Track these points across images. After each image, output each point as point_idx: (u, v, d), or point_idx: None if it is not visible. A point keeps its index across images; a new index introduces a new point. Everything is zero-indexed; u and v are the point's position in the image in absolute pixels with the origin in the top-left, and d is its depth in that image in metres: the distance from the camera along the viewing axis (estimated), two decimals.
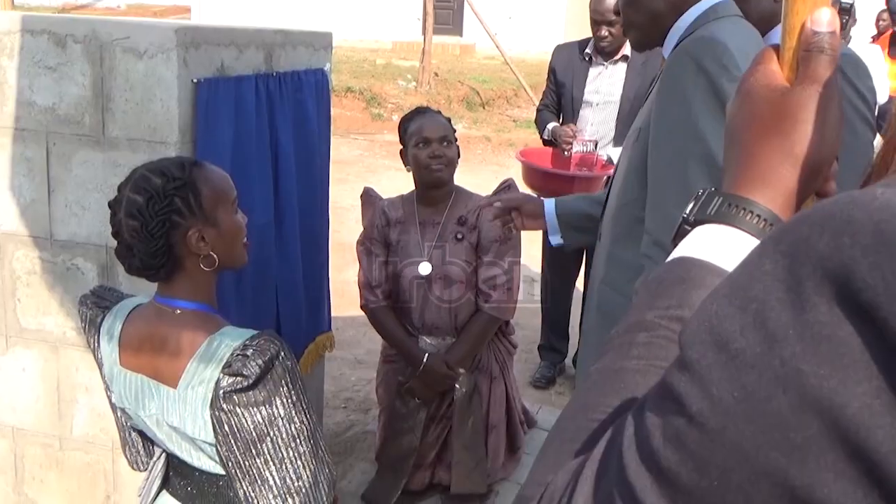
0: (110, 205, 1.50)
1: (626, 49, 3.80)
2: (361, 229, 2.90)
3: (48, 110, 2.00)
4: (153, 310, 1.50)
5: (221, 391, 1.36)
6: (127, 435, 1.64)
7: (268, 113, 2.22)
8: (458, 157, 2.75)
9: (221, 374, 1.37)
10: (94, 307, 1.58)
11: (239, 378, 1.35)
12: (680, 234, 0.66)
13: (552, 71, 4.03)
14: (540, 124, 4.05)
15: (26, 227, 2.08)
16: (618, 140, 3.75)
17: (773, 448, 0.40)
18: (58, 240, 2.07)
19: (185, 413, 1.41)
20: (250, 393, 1.35)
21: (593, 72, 3.84)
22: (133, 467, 1.69)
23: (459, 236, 2.68)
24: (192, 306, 1.49)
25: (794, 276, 0.41)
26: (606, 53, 3.80)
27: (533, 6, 17.67)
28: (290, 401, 1.38)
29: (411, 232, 2.77)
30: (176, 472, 1.57)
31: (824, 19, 0.65)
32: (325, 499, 1.43)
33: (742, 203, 0.63)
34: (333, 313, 2.92)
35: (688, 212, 0.66)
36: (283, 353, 1.39)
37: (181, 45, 1.90)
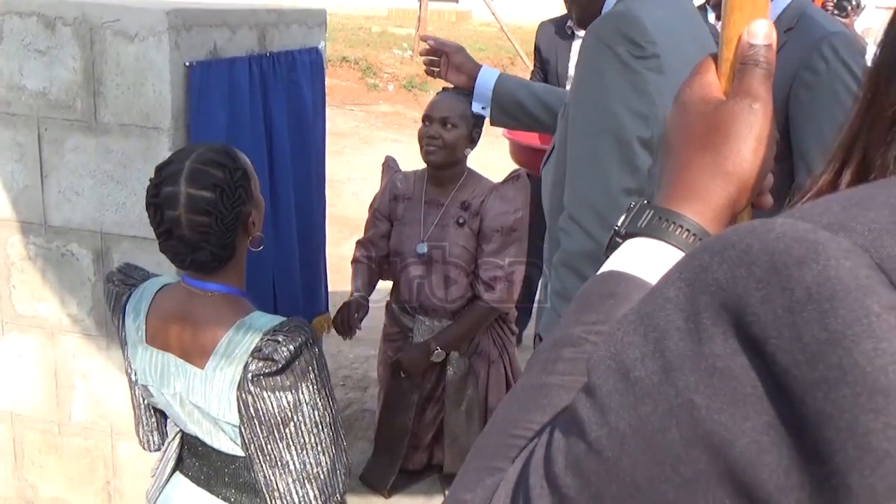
0: (156, 203, 1.47)
1: None
2: (357, 203, 2.89)
3: (39, 95, 1.97)
4: (183, 291, 1.51)
5: (250, 374, 1.38)
6: (142, 413, 1.65)
7: (262, 95, 2.19)
8: (473, 142, 2.64)
9: (251, 358, 1.39)
10: (121, 284, 1.60)
11: (269, 362, 1.37)
12: (611, 247, 0.66)
13: (537, 48, 4.00)
14: None
15: (19, 213, 2.06)
16: None
17: (664, 481, 0.40)
18: (52, 226, 2.05)
19: (210, 393, 1.43)
20: (278, 377, 1.38)
21: (576, 45, 3.80)
22: (143, 447, 1.70)
23: (461, 221, 2.66)
24: (223, 289, 1.50)
25: (693, 306, 0.41)
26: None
27: None
28: (315, 387, 1.40)
29: (416, 209, 2.75)
30: (190, 454, 1.58)
31: (760, 32, 0.65)
32: (341, 487, 1.45)
33: (672, 217, 0.63)
34: (330, 289, 2.92)
35: (619, 224, 0.65)
36: (311, 341, 1.42)
37: (173, 28, 1.86)
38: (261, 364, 1.37)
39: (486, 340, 2.81)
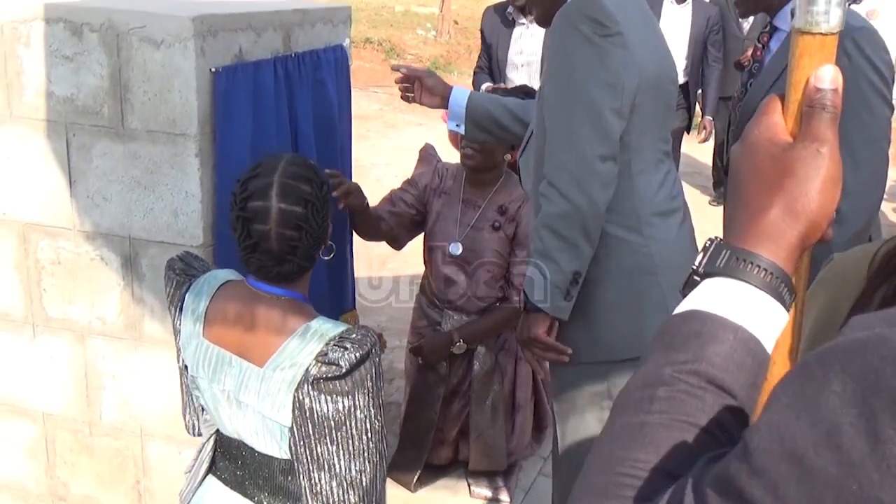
0: (245, 217, 1.49)
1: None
2: (382, 189, 2.88)
3: (67, 101, 1.97)
4: (247, 290, 1.53)
5: (311, 377, 1.40)
6: (190, 399, 1.68)
7: (287, 96, 2.18)
8: (512, 147, 2.60)
9: (314, 361, 1.41)
10: (182, 274, 1.62)
11: (333, 367, 1.39)
12: (689, 285, 0.69)
13: (482, 33, 4.01)
14: (475, 87, 4.04)
15: (49, 218, 2.08)
16: None
17: None
18: (81, 230, 2.06)
19: (265, 392, 1.45)
20: (338, 382, 1.40)
21: (516, 32, 3.80)
22: (189, 431, 1.73)
23: (496, 225, 2.65)
24: (290, 294, 1.53)
25: (867, 405, 0.43)
26: (527, 11, 3.71)
27: None
28: (370, 396, 1.43)
29: (453, 207, 2.74)
30: (224, 456, 1.60)
31: (827, 76, 0.68)
32: (378, 497, 1.48)
33: (748, 257, 0.66)
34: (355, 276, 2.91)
35: (697, 263, 0.69)
36: (376, 350, 1.44)
37: (198, 35, 1.86)
38: (324, 368, 1.39)
39: (513, 337, 2.81)
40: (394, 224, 2.70)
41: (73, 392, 2.20)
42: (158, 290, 2.03)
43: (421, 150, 2.95)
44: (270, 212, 1.47)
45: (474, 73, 4.14)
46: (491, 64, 3.95)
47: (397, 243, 2.79)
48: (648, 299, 1.93)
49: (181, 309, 1.58)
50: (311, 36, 2.36)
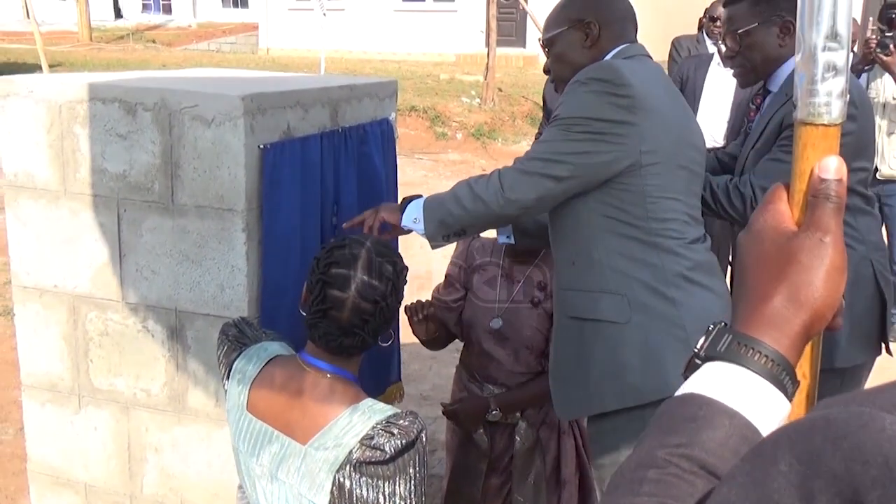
0: (325, 281, 1.51)
1: None
2: (426, 257, 2.88)
3: (119, 177, 2.02)
4: (297, 366, 1.54)
5: (354, 459, 1.39)
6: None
7: (333, 170, 2.21)
8: None
9: (359, 444, 1.40)
10: (234, 342, 1.65)
11: (377, 452, 1.39)
12: (690, 367, 0.69)
13: (544, 100, 4.06)
14: None
15: (98, 290, 2.11)
16: None
17: None
18: (128, 303, 2.09)
19: (305, 471, 1.44)
20: (381, 467, 1.39)
21: None
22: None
23: (536, 300, 2.63)
24: (340, 373, 1.53)
25: (807, 487, 0.44)
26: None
27: None
28: (412, 483, 1.42)
29: (493, 281, 2.73)
30: None
31: (831, 167, 0.68)
32: None
33: (750, 343, 0.66)
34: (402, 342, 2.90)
35: (699, 346, 0.69)
36: (423, 438, 1.44)
37: (248, 113, 1.90)
38: (368, 452, 1.38)
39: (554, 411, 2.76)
40: (453, 329, 2.76)
41: (115, 464, 2.20)
42: (203, 362, 2.04)
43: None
44: (352, 281, 1.49)
45: (535, 137, 4.20)
46: None
47: (437, 345, 2.80)
48: (671, 341, 1.93)
49: (229, 376, 1.59)
50: (357, 110, 2.41)
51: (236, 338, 1.64)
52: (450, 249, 2.97)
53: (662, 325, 1.93)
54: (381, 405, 1.48)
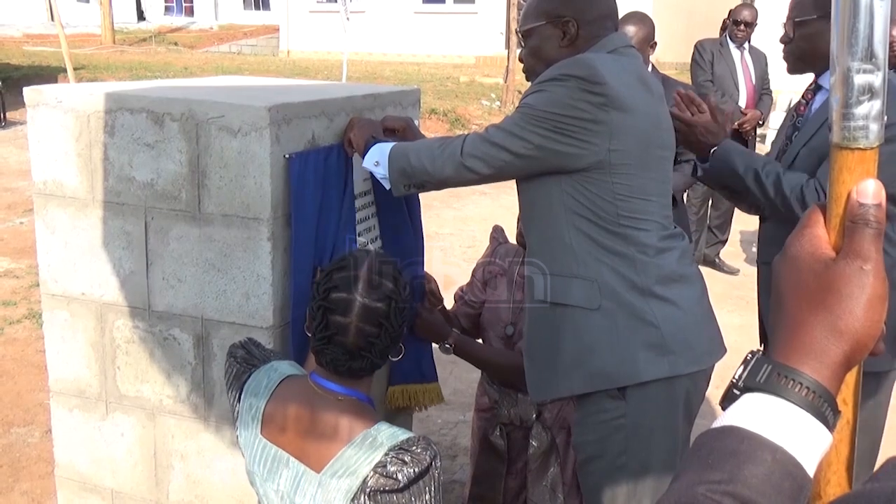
0: (326, 307, 1.49)
1: None
2: (446, 258, 2.87)
3: (146, 186, 2.04)
4: (308, 388, 1.52)
5: (368, 488, 1.38)
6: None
7: (354, 178, 2.22)
8: None
9: (372, 472, 1.40)
10: (243, 363, 1.63)
11: (391, 480, 1.37)
12: (728, 398, 0.68)
13: None
14: None
15: (126, 298, 2.13)
16: None
17: None
18: (155, 311, 2.11)
19: (321, 499, 1.43)
20: (395, 495, 1.38)
21: None
22: None
23: None
24: (353, 394, 1.51)
25: None
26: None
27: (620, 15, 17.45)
28: None
29: (508, 289, 2.73)
30: None
31: (870, 191, 0.66)
32: None
33: (789, 374, 0.65)
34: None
35: (737, 376, 0.68)
36: (436, 462, 1.42)
37: (274, 123, 1.91)
38: (382, 481, 1.37)
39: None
40: (466, 325, 2.72)
41: (142, 470, 2.22)
42: None
43: (491, 234, 2.95)
44: (353, 305, 1.47)
45: None
46: None
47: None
48: (642, 335, 1.93)
49: (240, 399, 1.58)
50: (381, 118, 2.41)
51: (245, 359, 1.62)
52: (468, 251, 2.97)
53: (633, 317, 1.93)
54: (393, 429, 1.46)
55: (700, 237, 6.14)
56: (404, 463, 1.37)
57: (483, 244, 3.70)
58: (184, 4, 28.92)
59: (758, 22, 6.08)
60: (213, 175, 1.97)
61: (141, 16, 28.63)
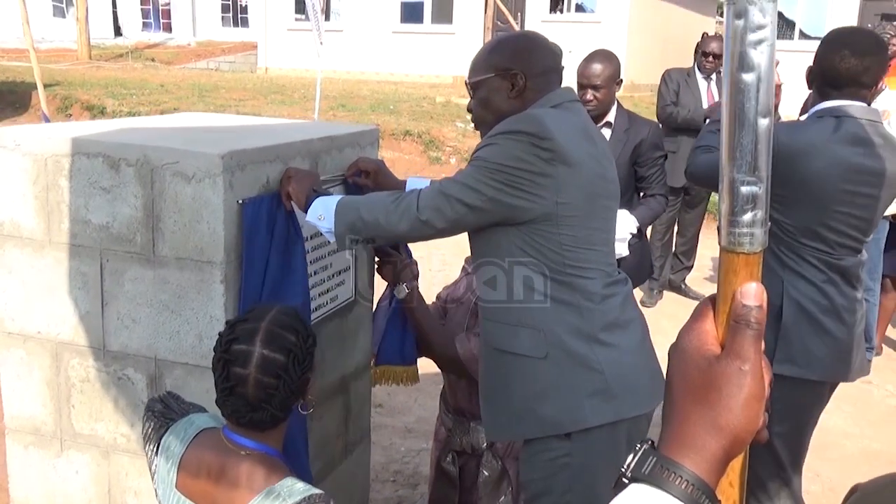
0: (226, 359, 1.51)
1: (611, 115, 3.84)
2: (421, 278, 2.90)
3: (102, 228, 2.08)
4: (220, 442, 1.54)
5: None
6: None
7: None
8: None
9: None
10: (161, 417, 1.64)
11: None
12: (618, 486, 0.72)
13: None
14: None
15: (81, 337, 2.16)
16: None
17: None
18: (110, 350, 2.14)
19: None
20: None
21: None
22: None
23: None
24: (261, 448, 1.53)
25: None
26: (592, 118, 3.82)
27: (594, 40, 17.67)
28: None
29: (464, 314, 2.78)
30: None
31: (752, 293, 0.71)
32: None
33: (672, 467, 0.69)
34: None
35: (626, 465, 0.72)
36: None
37: (227, 170, 1.96)
38: None
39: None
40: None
41: None
42: None
43: (463, 265, 3.00)
44: (252, 357, 1.48)
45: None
46: None
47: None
48: (588, 382, 2.00)
49: (157, 452, 1.59)
50: (338, 160, 2.47)
51: (163, 413, 1.63)
52: (438, 275, 3.02)
53: (578, 364, 2.00)
54: (297, 486, 1.47)
55: (664, 263, 6.23)
56: None
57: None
58: (161, 20, 28.87)
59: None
60: (168, 219, 2.02)
61: (118, 31, 28.52)
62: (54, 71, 16.67)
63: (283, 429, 1.58)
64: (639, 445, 0.73)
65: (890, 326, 5.75)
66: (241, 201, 2.00)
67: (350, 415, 2.76)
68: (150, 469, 1.65)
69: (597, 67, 3.73)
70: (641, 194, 4.02)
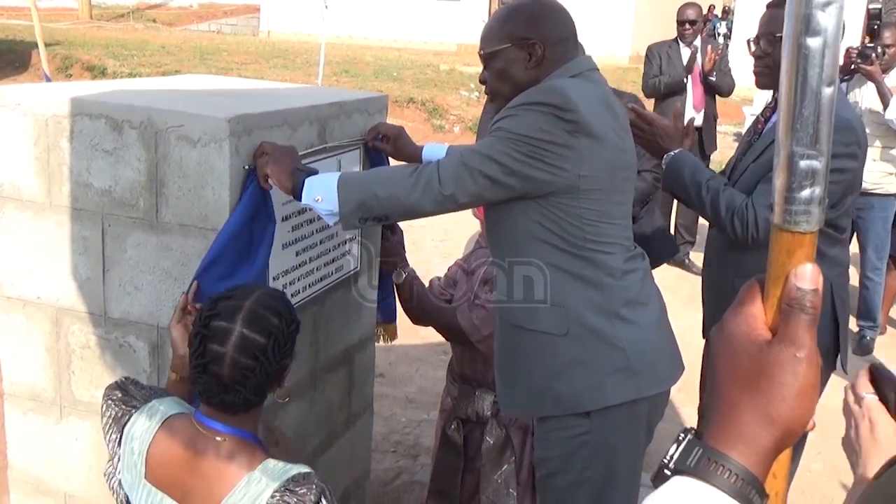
0: (203, 335, 1.45)
1: None
2: (417, 251, 2.87)
3: (104, 192, 2.03)
4: (192, 429, 1.48)
5: None
6: None
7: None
8: None
9: None
10: (121, 404, 1.58)
11: None
12: (659, 477, 0.68)
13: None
14: None
15: (82, 304, 2.12)
16: None
17: None
18: (111, 317, 2.10)
19: None
20: None
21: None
22: None
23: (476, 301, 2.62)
24: (237, 433, 1.47)
25: None
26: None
27: (600, 9, 17.45)
28: None
29: (470, 285, 2.74)
30: None
31: (808, 275, 0.66)
32: None
33: (719, 459, 0.65)
34: (382, 344, 2.89)
35: (669, 456, 0.68)
36: (324, 500, 1.39)
37: (234, 135, 1.90)
38: None
39: None
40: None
41: (96, 475, 2.21)
42: None
43: (478, 239, 2.95)
44: (231, 334, 1.42)
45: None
46: None
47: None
48: (610, 360, 1.96)
49: (120, 442, 1.53)
50: (347, 126, 2.41)
51: (123, 400, 1.56)
52: (441, 245, 2.98)
53: (600, 341, 1.96)
54: (279, 467, 1.42)
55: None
56: None
57: (456, 237, 3.71)
58: None
59: (703, 18, 6.38)
60: (172, 184, 1.96)
61: None
62: (55, 30, 16.50)
63: (258, 413, 1.50)
64: (682, 435, 0.69)
65: (895, 306, 5.71)
66: (247, 167, 1.95)
67: (353, 387, 2.72)
68: (114, 460, 1.58)
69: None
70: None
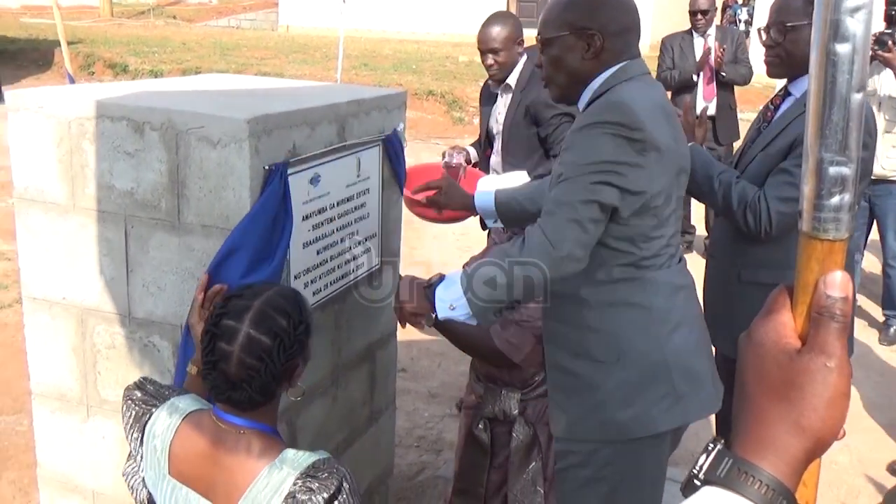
0: (213, 333, 1.48)
1: (512, 78, 3.71)
2: (439, 246, 2.86)
3: (127, 194, 2.04)
4: (212, 423, 1.50)
5: None
6: None
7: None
8: None
9: (283, 503, 1.38)
10: (142, 404, 1.60)
11: None
12: (689, 487, 0.68)
13: (480, 102, 4.14)
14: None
15: (106, 304, 2.14)
16: (505, 169, 3.74)
17: None
18: (135, 317, 2.12)
19: None
20: None
21: (499, 101, 3.83)
22: None
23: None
24: (255, 426, 1.49)
25: None
26: (497, 82, 3.78)
27: None
28: None
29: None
30: None
31: (837, 283, 0.66)
32: None
33: (750, 470, 0.64)
34: (404, 339, 2.86)
35: (699, 467, 0.68)
36: (345, 484, 1.41)
37: (253, 135, 1.91)
38: None
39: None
40: None
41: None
42: None
43: (492, 236, 2.96)
44: (238, 334, 1.44)
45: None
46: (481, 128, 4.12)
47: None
48: (657, 385, 1.95)
49: (142, 441, 1.55)
50: (365, 124, 2.41)
51: (143, 400, 1.58)
52: (461, 238, 2.98)
53: (648, 368, 1.95)
54: (299, 457, 1.43)
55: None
56: (311, 490, 1.37)
57: (477, 232, 3.69)
58: None
59: (715, 6, 6.37)
60: (193, 185, 1.97)
61: None
62: (76, 28, 16.63)
63: (275, 408, 1.53)
64: (711, 445, 0.68)
65: None
66: (267, 167, 1.95)
67: (376, 383, 2.73)
68: (137, 459, 1.60)
69: (493, 30, 3.64)
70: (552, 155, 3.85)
